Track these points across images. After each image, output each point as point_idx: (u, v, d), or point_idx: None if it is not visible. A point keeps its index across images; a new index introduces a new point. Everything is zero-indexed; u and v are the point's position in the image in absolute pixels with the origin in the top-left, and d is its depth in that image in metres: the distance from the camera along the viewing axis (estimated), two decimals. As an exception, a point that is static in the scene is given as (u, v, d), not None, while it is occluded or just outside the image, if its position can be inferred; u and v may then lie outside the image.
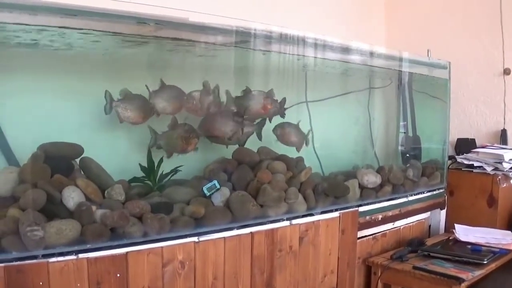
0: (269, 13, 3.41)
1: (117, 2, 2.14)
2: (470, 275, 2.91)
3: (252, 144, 3.04)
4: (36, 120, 2.44)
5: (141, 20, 2.31)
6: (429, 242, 3.52)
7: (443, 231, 3.98)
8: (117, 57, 2.75)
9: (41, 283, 1.92)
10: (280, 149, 3.11)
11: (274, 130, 3.14)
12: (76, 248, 2.04)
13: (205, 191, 2.62)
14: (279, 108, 3.11)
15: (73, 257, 2.01)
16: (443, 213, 4.02)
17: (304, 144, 3.22)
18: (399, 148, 4.29)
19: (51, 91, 2.53)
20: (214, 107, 2.85)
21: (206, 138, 2.87)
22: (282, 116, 3.14)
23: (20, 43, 2.34)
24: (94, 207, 2.19)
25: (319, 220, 2.92)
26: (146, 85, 2.65)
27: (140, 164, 2.66)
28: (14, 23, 2.05)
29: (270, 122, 3.12)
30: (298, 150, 3.20)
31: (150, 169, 2.68)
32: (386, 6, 4.64)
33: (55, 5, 2.06)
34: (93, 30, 2.27)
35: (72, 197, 2.17)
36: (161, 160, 2.70)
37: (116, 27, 2.33)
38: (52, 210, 2.11)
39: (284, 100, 3.12)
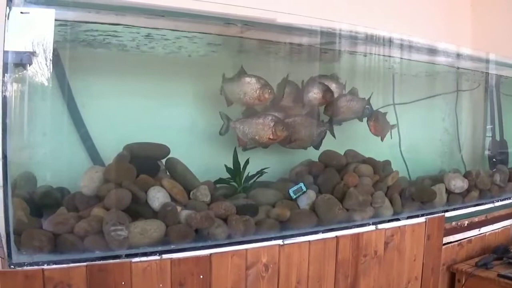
0: (354, 15, 3.20)
1: (203, 3, 2.04)
2: (554, 284, 2.73)
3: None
4: (123, 121, 2.40)
5: (228, 21, 2.23)
6: (514, 249, 3.33)
7: (528, 238, 3.75)
8: (202, 57, 2.67)
9: (123, 283, 1.87)
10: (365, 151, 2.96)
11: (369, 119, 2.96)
12: (160, 248, 1.99)
13: (291, 194, 2.52)
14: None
15: (156, 257, 1.95)
16: (528, 219, 3.77)
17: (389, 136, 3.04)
18: (486, 152, 4.06)
19: (137, 93, 2.49)
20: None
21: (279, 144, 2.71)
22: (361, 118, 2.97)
23: (105, 44, 2.29)
24: (179, 208, 2.14)
25: (405, 225, 2.75)
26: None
27: (225, 165, 2.57)
28: (97, 22, 2.01)
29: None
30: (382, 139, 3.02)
31: (236, 170, 2.58)
32: (472, 7, 4.33)
33: (141, 5, 1.99)
34: (180, 31, 2.21)
35: (157, 197, 2.11)
36: (247, 162, 2.60)
37: (203, 28, 2.26)
38: (136, 210, 2.06)
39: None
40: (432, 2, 3.95)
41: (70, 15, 1.91)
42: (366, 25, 2.65)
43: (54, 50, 1.82)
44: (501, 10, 4.22)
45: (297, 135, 2.68)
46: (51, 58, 1.80)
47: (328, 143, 2.83)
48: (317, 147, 2.79)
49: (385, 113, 3.02)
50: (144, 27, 2.10)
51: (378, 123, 2.94)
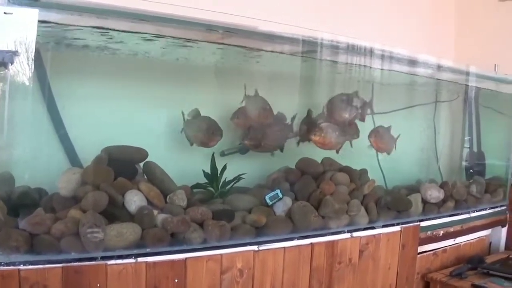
0: (337, 25, 3.25)
1: (187, 9, 2.06)
2: (529, 294, 2.76)
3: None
4: (102, 123, 2.40)
5: (210, 27, 2.22)
6: (489, 259, 3.39)
7: (503, 249, 3.79)
8: (184, 63, 2.70)
9: (98, 285, 1.87)
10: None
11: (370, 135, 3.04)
12: (135, 251, 1.99)
13: (268, 200, 2.53)
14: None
15: (132, 260, 1.96)
16: (504, 230, 3.83)
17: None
18: (463, 163, 4.11)
19: (117, 96, 2.50)
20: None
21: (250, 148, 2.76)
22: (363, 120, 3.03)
23: (87, 46, 2.31)
24: (155, 212, 2.14)
25: (380, 233, 2.80)
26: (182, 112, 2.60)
27: (203, 171, 2.60)
28: (80, 26, 1.99)
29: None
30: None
31: (213, 176, 2.61)
32: (456, 20, 4.40)
33: (125, 10, 1.99)
34: (163, 35, 2.20)
35: (134, 200, 2.11)
36: (224, 167, 2.63)
37: (185, 34, 2.24)
38: (113, 212, 2.05)
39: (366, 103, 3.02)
40: (416, 13, 4.02)
41: (54, 16, 1.89)
42: (349, 35, 2.67)
43: (36, 50, 1.84)
44: (484, 23, 4.30)
45: (266, 140, 2.71)
46: (33, 58, 1.81)
47: (308, 151, 2.87)
48: (281, 149, 2.83)
49: (389, 127, 3.08)
50: (127, 31, 2.10)
51: (380, 139, 3.02)
